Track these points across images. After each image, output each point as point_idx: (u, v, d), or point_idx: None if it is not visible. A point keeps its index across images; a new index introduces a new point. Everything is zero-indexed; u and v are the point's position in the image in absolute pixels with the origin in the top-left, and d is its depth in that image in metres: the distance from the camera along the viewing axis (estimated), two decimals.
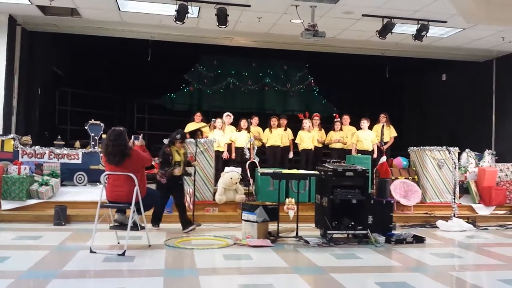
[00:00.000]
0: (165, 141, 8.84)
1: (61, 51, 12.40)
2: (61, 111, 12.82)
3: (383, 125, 10.44)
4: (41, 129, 11.23)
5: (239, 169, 8.75)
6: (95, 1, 9.02)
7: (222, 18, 8.92)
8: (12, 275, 4.71)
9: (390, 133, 10.64)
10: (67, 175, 8.99)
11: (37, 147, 9.01)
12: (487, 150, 10.65)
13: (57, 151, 9.06)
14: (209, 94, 14.18)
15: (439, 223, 8.31)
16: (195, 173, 8.27)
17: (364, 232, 6.68)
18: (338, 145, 10.48)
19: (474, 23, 9.34)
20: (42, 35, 11.00)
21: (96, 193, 7.40)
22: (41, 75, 11.37)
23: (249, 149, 9.50)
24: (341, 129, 10.61)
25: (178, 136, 7.29)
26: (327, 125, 11.13)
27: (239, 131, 10.10)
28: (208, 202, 8.64)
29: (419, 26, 9.57)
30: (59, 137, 9.80)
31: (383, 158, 9.14)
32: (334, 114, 11.33)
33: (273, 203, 6.93)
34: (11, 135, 9.05)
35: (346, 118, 10.75)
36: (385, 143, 10.39)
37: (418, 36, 9.72)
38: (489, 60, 12.57)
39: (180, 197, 7.33)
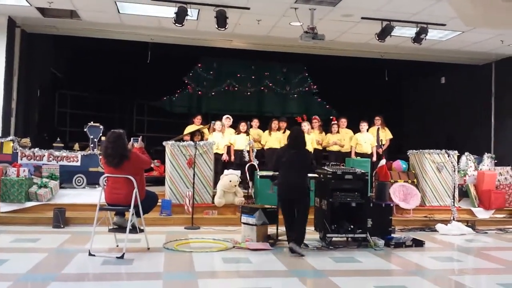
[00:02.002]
0: (165, 143, 8.85)
1: (61, 53, 12.39)
2: (60, 113, 12.83)
3: (378, 128, 10.43)
4: (40, 131, 11.21)
5: (238, 172, 8.74)
6: (95, 3, 9.01)
7: (221, 20, 8.92)
8: (11, 278, 4.70)
9: (386, 136, 10.64)
10: (66, 177, 8.96)
11: (36, 149, 8.99)
12: (486, 153, 10.61)
13: (56, 153, 9.04)
14: (208, 96, 14.19)
15: (439, 226, 8.30)
16: (194, 175, 8.29)
17: (364, 235, 6.67)
18: (335, 148, 10.46)
19: (473, 26, 9.35)
20: (42, 37, 10.98)
21: (95, 196, 7.31)
22: (40, 77, 11.37)
23: (248, 151, 9.50)
24: (338, 132, 10.61)
25: None
26: (324, 128, 11.13)
27: (238, 133, 10.09)
28: (207, 205, 8.61)
29: (418, 29, 9.57)
30: (58, 139, 9.77)
31: (383, 161, 9.16)
32: (331, 117, 11.35)
33: (273, 206, 6.93)
34: (10, 137, 9.02)
35: (343, 121, 10.74)
36: (382, 145, 10.40)
37: (417, 39, 9.71)
38: (488, 63, 12.58)
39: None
